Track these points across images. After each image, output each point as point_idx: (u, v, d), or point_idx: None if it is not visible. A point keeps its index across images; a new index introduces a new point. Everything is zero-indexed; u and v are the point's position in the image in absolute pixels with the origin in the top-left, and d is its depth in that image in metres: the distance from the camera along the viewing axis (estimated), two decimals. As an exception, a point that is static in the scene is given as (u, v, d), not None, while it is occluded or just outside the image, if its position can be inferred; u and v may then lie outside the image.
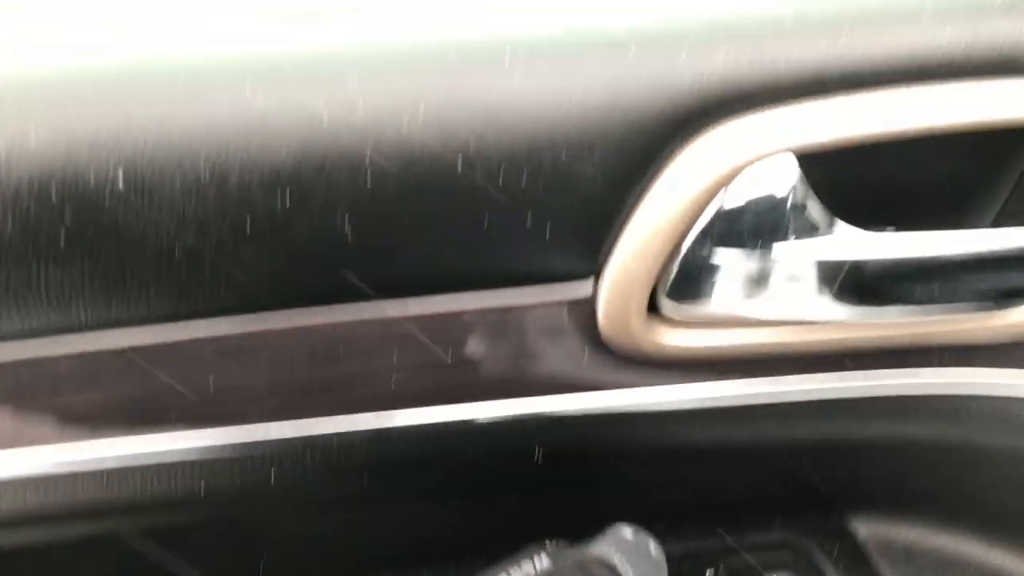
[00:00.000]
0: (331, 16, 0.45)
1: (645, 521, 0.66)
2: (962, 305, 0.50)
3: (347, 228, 0.43)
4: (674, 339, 0.49)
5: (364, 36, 0.43)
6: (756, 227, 0.47)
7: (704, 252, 0.47)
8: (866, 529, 0.67)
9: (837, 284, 0.48)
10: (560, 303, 0.48)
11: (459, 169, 0.42)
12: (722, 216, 0.46)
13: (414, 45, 0.43)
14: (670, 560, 0.65)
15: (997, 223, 0.53)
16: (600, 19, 0.44)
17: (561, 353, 0.49)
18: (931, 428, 0.56)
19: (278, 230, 0.42)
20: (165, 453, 0.49)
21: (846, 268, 0.48)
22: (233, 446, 0.49)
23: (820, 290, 0.49)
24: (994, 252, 0.50)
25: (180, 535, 0.55)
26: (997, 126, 0.46)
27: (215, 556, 0.59)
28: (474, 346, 0.48)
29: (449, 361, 0.48)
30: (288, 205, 0.42)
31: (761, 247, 0.47)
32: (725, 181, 0.45)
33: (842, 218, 0.48)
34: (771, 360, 0.51)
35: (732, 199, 0.46)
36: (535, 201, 0.44)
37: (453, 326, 0.48)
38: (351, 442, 0.49)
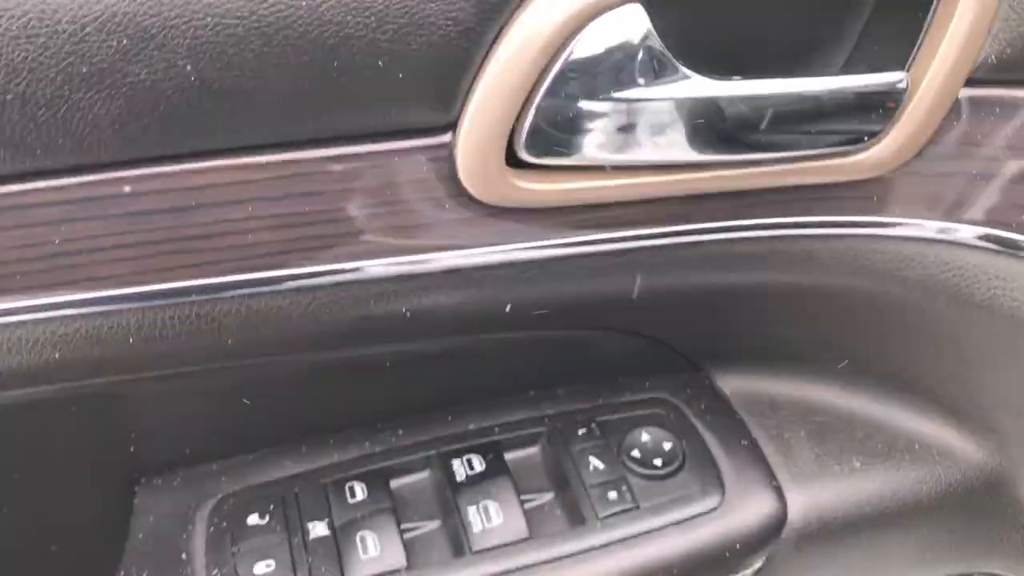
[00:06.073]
0: None
1: (521, 386, 0.68)
2: (808, 150, 0.53)
3: (188, 69, 0.42)
4: (532, 186, 0.50)
5: None
6: (607, 75, 0.48)
7: (558, 100, 0.47)
8: (733, 385, 0.70)
9: (687, 130, 0.50)
10: (419, 155, 0.48)
11: (306, 13, 0.42)
12: (573, 64, 0.47)
13: None
14: (545, 421, 0.67)
15: (845, 70, 0.55)
16: None
17: (421, 205, 0.49)
18: (785, 274, 0.58)
19: (115, 72, 0.41)
20: (8, 325, 0.47)
21: (695, 114, 0.50)
22: (84, 315, 0.48)
23: (671, 136, 0.50)
24: (839, 97, 0.52)
25: (35, 409, 0.54)
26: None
27: (79, 432, 0.58)
28: (332, 200, 0.48)
29: (307, 216, 0.48)
30: (124, 43, 0.40)
31: (612, 95, 0.48)
32: (574, 25, 0.45)
33: (691, 67, 0.49)
34: (627, 208, 0.52)
35: (583, 48, 0.46)
36: (385, 49, 0.44)
37: (310, 180, 0.47)
38: (211, 303, 0.49)
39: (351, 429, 0.66)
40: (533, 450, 0.65)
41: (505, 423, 0.66)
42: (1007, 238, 0.54)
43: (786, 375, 0.70)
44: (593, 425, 0.66)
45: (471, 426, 0.66)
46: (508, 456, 0.64)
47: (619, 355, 0.69)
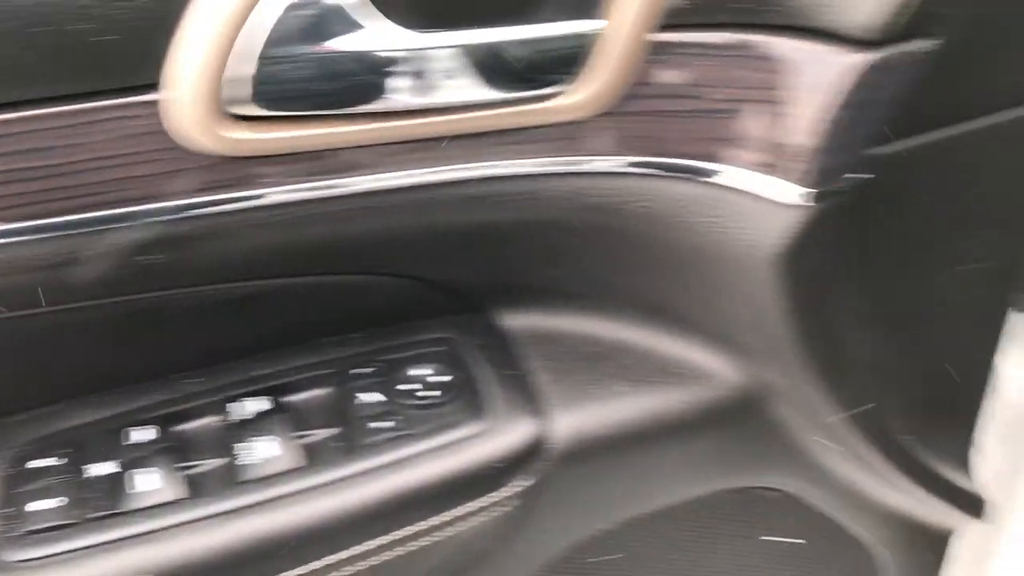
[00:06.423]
0: None
1: (313, 334, 0.73)
2: (508, 95, 0.58)
3: None
4: (245, 136, 0.54)
5: None
6: (309, 26, 0.52)
7: (259, 53, 0.52)
8: (514, 322, 0.76)
9: (389, 80, 0.55)
10: (136, 111, 0.53)
11: None
12: (274, 18, 0.52)
13: None
14: (330, 364, 0.71)
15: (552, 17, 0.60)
16: None
17: (144, 158, 0.54)
18: (517, 214, 0.64)
19: None
20: None
21: (397, 64, 0.54)
22: None
23: (374, 86, 0.55)
24: (536, 44, 0.57)
25: None
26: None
27: None
28: (63, 156, 0.53)
29: (42, 171, 0.52)
30: None
31: (316, 46, 0.53)
32: None
33: (397, 18, 0.54)
34: (350, 154, 0.57)
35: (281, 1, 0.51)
36: (93, 13, 0.49)
37: (40, 137, 0.52)
38: None
39: (145, 381, 0.70)
40: (315, 391, 0.70)
41: (292, 367, 0.71)
42: (703, 168, 0.60)
43: (560, 310, 0.75)
44: (373, 365, 0.71)
45: (260, 372, 0.71)
46: (291, 397, 0.69)
47: (405, 301, 0.74)
